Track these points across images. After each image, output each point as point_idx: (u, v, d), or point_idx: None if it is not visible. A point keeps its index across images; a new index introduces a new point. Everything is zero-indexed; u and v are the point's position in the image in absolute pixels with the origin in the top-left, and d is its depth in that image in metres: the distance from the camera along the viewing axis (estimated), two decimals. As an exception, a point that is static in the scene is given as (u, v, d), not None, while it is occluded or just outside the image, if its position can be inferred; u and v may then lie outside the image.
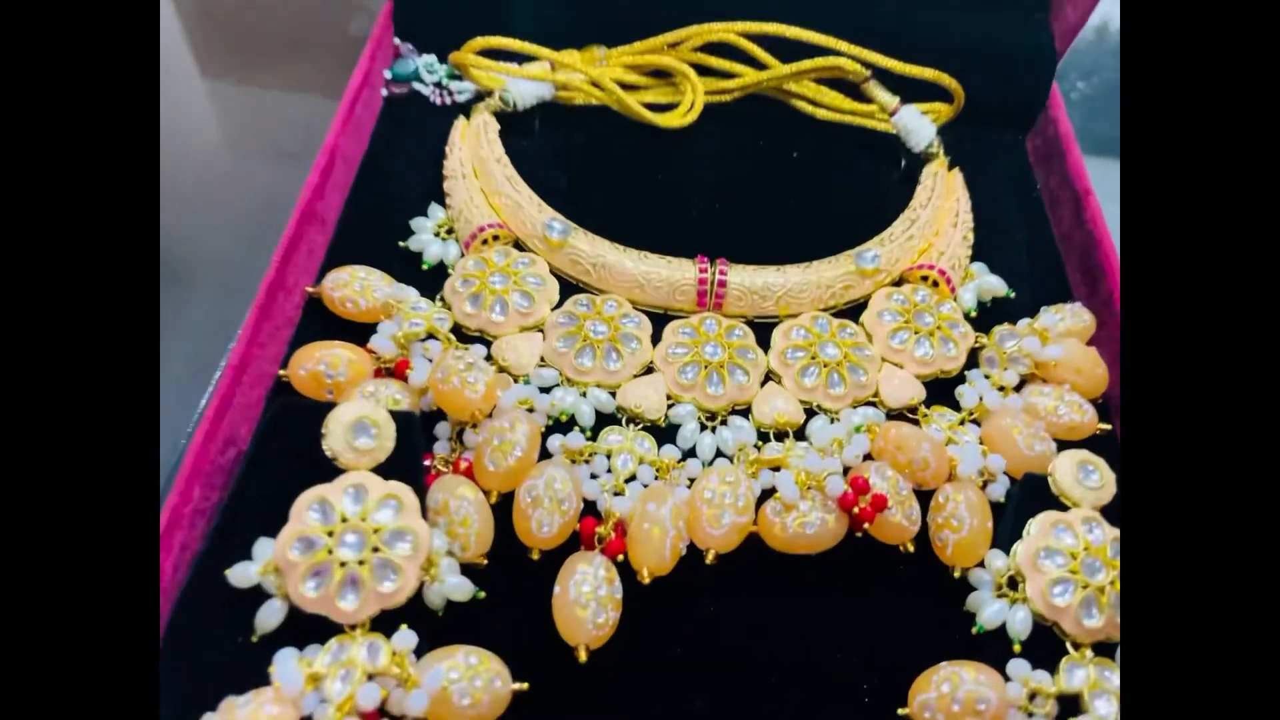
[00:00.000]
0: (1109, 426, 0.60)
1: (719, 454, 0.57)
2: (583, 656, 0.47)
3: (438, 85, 0.80)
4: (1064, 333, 0.62)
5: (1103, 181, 0.73)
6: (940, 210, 0.70)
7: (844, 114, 0.80)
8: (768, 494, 0.54)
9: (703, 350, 0.60)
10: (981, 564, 0.52)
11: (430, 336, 0.58)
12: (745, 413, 0.59)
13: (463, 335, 0.61)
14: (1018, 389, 0.61)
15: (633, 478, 0.55)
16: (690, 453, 0.57)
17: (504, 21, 0.77)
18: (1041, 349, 0.60)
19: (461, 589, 0.48)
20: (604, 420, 0.58)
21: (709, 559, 0.51)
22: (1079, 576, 0.49)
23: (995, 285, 0.67)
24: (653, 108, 0.77)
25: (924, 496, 0.54)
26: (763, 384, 0.60)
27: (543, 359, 0.60)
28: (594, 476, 0.54)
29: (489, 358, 0.59)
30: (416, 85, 0.80)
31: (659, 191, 0.73)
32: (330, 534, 0.46)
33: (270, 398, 0.58)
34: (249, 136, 0.95)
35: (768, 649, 0.50)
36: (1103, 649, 0.49)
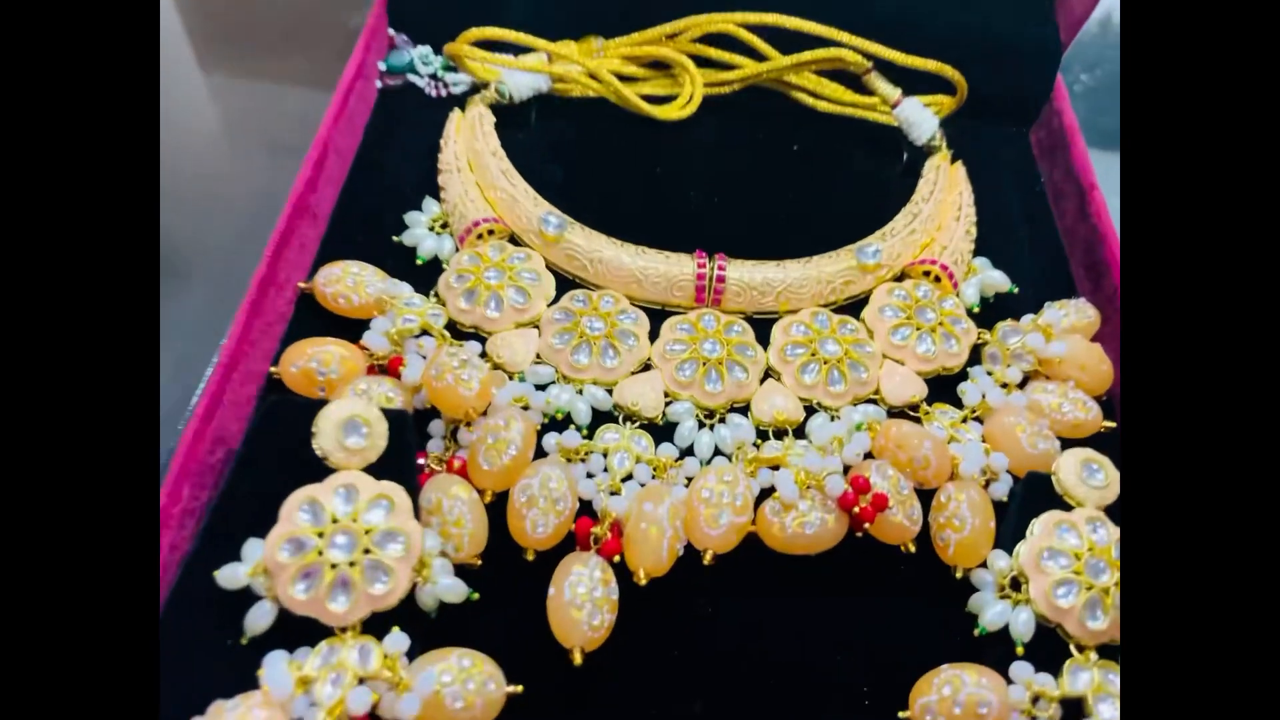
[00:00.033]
0: (1114, 424, 0.59)
1: (717, 452, 0.56)
2: (578, 659, 0.46)
3: (433, 77, 0.79)
4: (1068, 329, 0.62)
5: (1107, 175, 0.72)
6: (943, 204, 0.69)
7: (845, 106, 0.79)
8: (767, 493, 0.53)
9: (701, 347, 0.60)
10: (984, 564, 0.52)
11: (424, 333, 0.58)
12: (744, 410, 0.59)
13: (457, 331, 0.60)
14: (1021, 386, 0.60)
15: (629, 476, 0.54)
16: (688, 451, 0.56)
17: (500, 12, 0.77)
18: (1045, 345, 0.60)
19: (455, 590, 0.48)
20: (600, 418, 0.58)
21: (707, 559, 0.50)
22: (1083, 577, 0.49)
23: (998, 280, 0.66)
24: (651, 100, 0.77)
25: (925, 496, 0.54)
26: (762, 381, 0.60)
27: (538, 356, 0.59)
28: (590, 475, 0.54)
29: (484, 354, 0.59)
30: (411, 77, 0.79)
31: (657, 185, 0.73)
32: (320, 535, 0.45)
33: (261, 395, 0.58)
34: (244, 129, 0.94)
35: (766, 651, 0.50)
36: (1107, 651, 0.48)
